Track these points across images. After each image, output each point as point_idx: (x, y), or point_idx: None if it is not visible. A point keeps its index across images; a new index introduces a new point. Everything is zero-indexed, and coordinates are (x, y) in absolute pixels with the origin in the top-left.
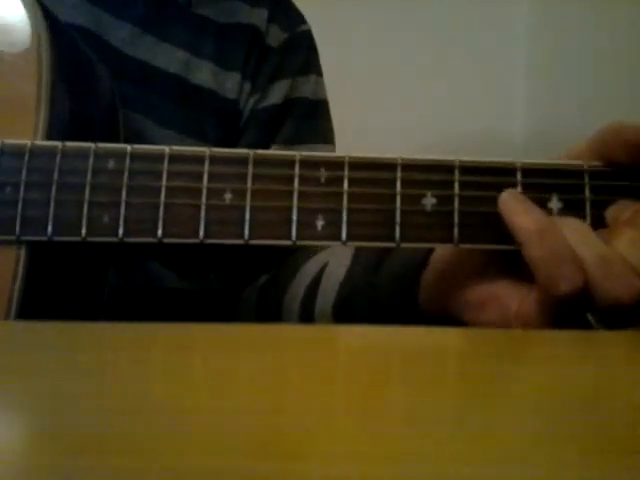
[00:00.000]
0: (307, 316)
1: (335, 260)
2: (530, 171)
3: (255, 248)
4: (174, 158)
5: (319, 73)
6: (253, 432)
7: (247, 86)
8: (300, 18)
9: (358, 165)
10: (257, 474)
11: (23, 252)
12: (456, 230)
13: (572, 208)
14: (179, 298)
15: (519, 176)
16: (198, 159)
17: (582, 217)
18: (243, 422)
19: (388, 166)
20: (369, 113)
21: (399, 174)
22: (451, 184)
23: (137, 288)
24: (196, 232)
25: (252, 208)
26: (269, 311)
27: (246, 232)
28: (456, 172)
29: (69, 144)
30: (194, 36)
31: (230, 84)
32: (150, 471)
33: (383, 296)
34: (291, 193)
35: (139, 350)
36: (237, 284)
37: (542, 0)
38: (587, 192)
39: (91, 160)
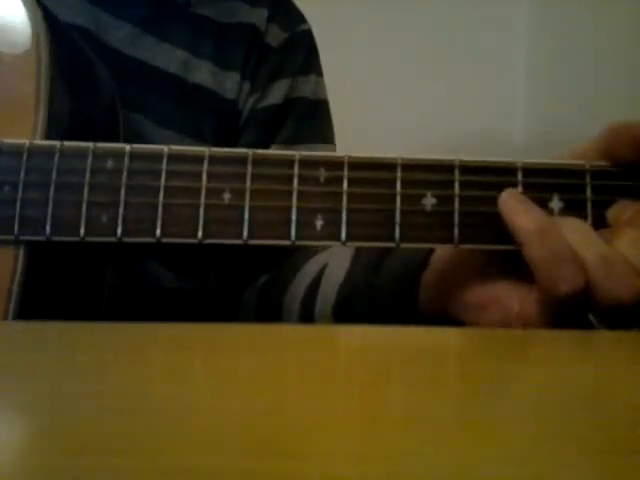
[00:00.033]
0: (307, 317)
1: (335, 262)
2: (531, 171)
3: (255, 248)
4: (173, 158)
5: (319, 73)
6: (253, 432)
7: (246, 86)
8: (300, 17)
9: (358, 165)
10: (257, 474)
11: (22, 252)
12: (456, 230)
13: (573, 208)
14: (178, 298)
15: (520, 176)
16: (197, 159)
17: (583, 217)
18: (243, 422)
19: (388, 166)
20: (369, 113)
21: (399, 174)
22: (451, 184)
23: (136, 288)
24: (195, 232)
25: (251, 208)
26: (269, 311)
27: (245, 232)
28: (456, 172)
29: (67, 144)
30: (193, 36)
31: (229, 84)
32: (150, 471)
33: (383, 296)
34: (290, 193)
35: (139, 350)
36: (237, 284)
37: (542, 0)
38: (588, 192)
39: (89, 160)
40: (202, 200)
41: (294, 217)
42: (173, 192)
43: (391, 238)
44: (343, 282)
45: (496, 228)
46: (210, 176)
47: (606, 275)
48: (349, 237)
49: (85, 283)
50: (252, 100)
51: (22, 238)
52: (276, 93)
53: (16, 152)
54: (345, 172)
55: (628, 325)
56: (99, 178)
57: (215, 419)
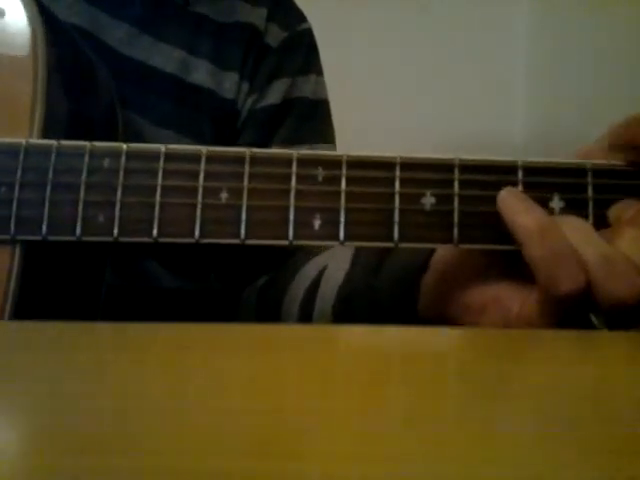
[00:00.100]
0: (306, 318)
1: (334, 263)
2: (532, 170)
3: (254, 248)
4: (170, 157)
5: (319, 72)
6: (253, 432)
7: (245, 86)
8: (300, 16)
9: (356, 164)
10: (257, 474)
11: (18, 252)
12: (456, 230)
13: (574, 207)
14: (178, 298)
15: (520, 175)
16: (194, 158)
17: (584, 216)
18: (243, 422)
19: (387, 165)
20: (369, 113)
21: (398, 173)
22: (451, 183)
23: (135, 288)
24: (192, 231)
25: (248, 207)
26: (268, 312)
27: (242, 232)
28: (456, 171)
29: (64, 142)
30: (191, 35)
31: (228, 84)
32: (150, 471)
33: (383, 299)
34: (288, 192)
35: (139, 350)
36: (236, 284)
37: (542, 0)
38: (590, 191)
39: (86, 159)
40: (199, 199)
41: (292, 216)
42: (170, 191)
43: (390, 238)
44: (343, 284)
45: (496, 228)
46: (207, 175)
47: (607, 274)
48: (347, 237)
49: (82, 283)
50: (251, 100)
51: (18, 238)
52: (275, 93)
53: (12, 151)
54: (343, 171)
55: (630, 325)
56: (96, 177)
57: (215, 419)
